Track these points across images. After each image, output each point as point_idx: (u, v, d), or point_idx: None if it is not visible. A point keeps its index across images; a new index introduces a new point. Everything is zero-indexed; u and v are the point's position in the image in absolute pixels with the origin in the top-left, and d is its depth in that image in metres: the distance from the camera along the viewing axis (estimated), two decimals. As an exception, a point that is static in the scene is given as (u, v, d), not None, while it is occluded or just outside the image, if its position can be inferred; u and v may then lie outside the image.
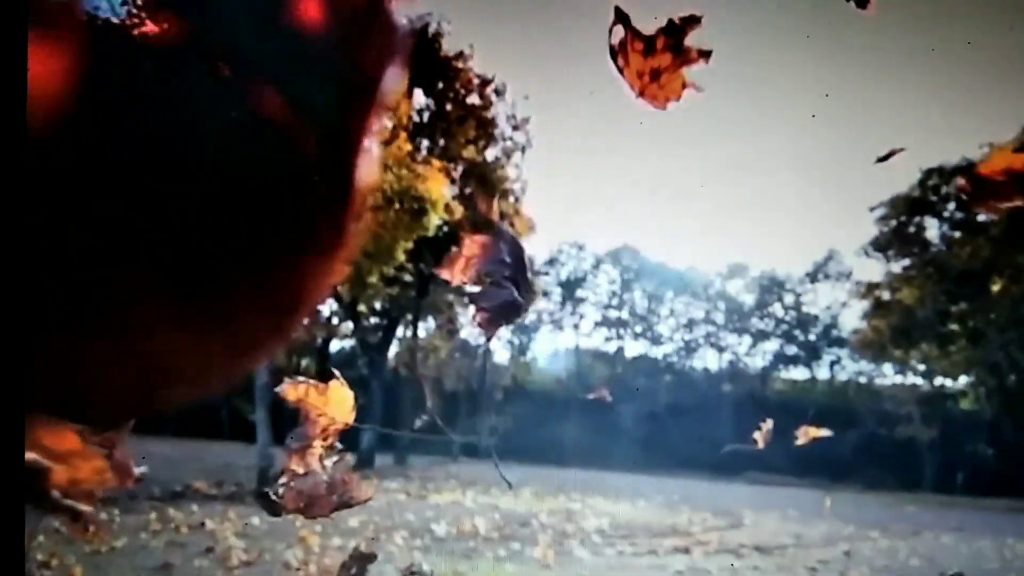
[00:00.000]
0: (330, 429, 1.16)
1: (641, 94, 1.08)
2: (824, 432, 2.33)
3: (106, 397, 0.22)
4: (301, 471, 1.21)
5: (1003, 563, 7.64)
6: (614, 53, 1.07)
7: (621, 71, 1.07)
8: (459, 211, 11.07)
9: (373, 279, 11.42)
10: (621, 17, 1.05)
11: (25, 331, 0.21)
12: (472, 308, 1.11)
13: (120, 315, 0.21)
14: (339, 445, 1.26)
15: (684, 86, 1.08)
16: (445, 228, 13.95)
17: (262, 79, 0.21)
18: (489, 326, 1.09)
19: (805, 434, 2.26)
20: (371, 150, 0.23)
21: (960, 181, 1.21)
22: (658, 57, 1.06)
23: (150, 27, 0.21)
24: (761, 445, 2.33)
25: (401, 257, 10.63)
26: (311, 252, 0.23)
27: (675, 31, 1.05)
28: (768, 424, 2.36)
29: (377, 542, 5.82)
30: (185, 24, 0.21)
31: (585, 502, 11.06)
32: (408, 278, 14.16)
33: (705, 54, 1.08)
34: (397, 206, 9.77)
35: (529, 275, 1.11)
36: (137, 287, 0.21)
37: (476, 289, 1.11)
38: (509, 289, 1.10)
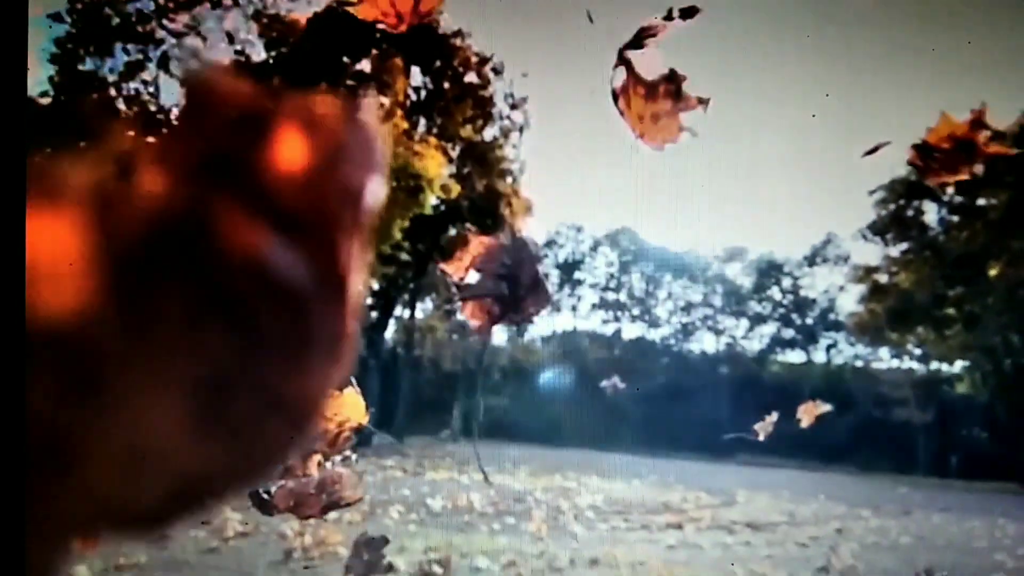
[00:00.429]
0: (345, 426, 1.23)
1: (641, 136, 1.12)
2: (825, 407, 2.35)
3: (131, 512, 0.24)
4: (301, 473, 1.24)
5: (992, 541, 7.73)
6: (615, 95, 1.10)
7: (622, 113, 1.11)
8: (456, 190, 11.05)
9: (368, 257, 11.36)
10: (624, 62, 1.08)
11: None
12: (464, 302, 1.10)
13: (138, 433, 0.23)
14: (355, 439, 1.30)
15: (680, 129, 1.12)
16: (442, 207, 13.92)
17: (248, 211, 0.23)
18: (480, 322, 1.10)
19: (807, 412, 2.28)
20: (361, 259, 0.25)
21: (910, 153, 1.24)
22: (659, 102, 1.10)
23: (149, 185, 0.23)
24: (762, 437, 2.36)
25: (397, 235, 10.62)
26: (315, 359, 0.25)
27: (676, 79, 1.10)
28: (772, 417, 2.39)
29: (373, 516, 5.89)
30: (180, 181, 0.23)
31: (580, 480, 11.16)
32: (405, 257, 14.19)
33: (704, 101, 1.12)
34: (393, 183, 9.74)
35: (541, 279, 1.10)
36: (151, 406, 0.23)
37: (465, 282, 1.11)
38: (501, 287, 1.10)
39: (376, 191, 0.25)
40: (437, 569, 4.02)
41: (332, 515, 4.31)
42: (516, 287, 1.10)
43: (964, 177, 1.18)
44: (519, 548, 4.88)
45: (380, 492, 7.68)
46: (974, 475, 28.70)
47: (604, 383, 2.88)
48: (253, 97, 0.24)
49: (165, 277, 0.22)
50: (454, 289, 1.11)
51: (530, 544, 5.09)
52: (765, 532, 6.89)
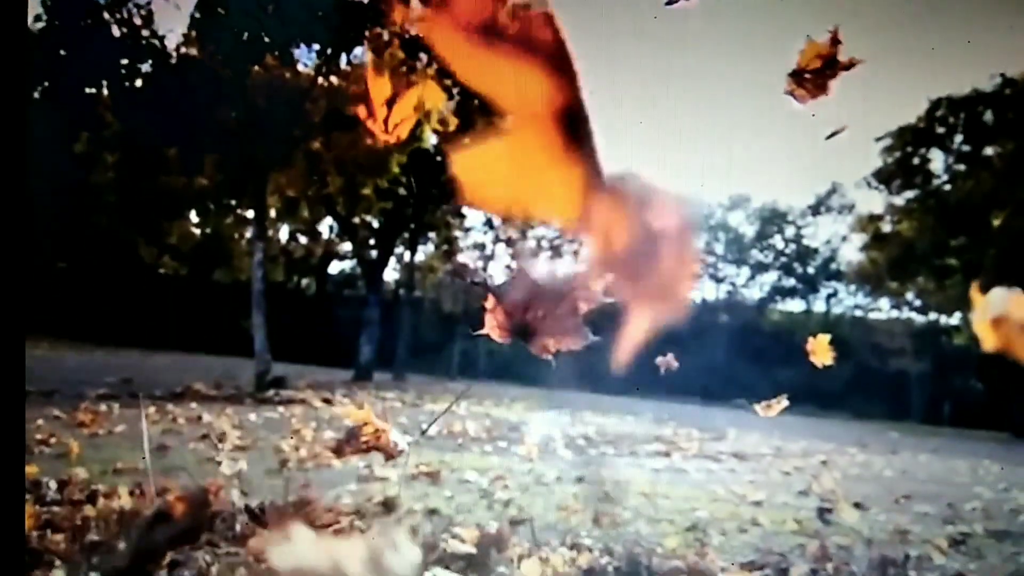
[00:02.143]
0: (385, 436, 1.58)
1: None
2: (826, 335, 2.42)
3: None
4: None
5: (974, 478, 7.94)
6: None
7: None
8: (453, 123, 10.91)
9: (367, 191, 11.37)
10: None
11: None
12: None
13: None
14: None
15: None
16: (443, 145, 13.76)
17: None
18: (494, 321, 1.09)
19: (819, 348, 2.34)
20: None
21: (786, 82, 1.37)
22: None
23: None
24: (762, 414, 2.45)
25: (395, 169, 10.54)
26: None
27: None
28: (781, 400, 2.47)
29: (368, 437, 6.04)
30: None
31: (574, 415, 11.39)
32: (402, 191, 14.10)
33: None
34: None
35: (577, 320, 1.09)
36: None
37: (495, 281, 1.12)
38: (509, 298, 1.09)
39: None
40: (425, 479, 4.16)
41: (328, 434, 4.41)
42: (528, 312, 1.08)
43: (826, 95, 1.34)
44: (509, 466, 5.03)
45: (378, 419, 7.85)
46: (966, 424, 29.16)
47: (658, 359, 2.91)
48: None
49: None
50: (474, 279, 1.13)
51: (519, 463, 5.24)
52: (751, 462, 7.07)
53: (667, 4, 1.40)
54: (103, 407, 6.26)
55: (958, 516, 4.84)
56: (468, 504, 3.62)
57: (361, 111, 1.30)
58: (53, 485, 2.91)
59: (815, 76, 1.34)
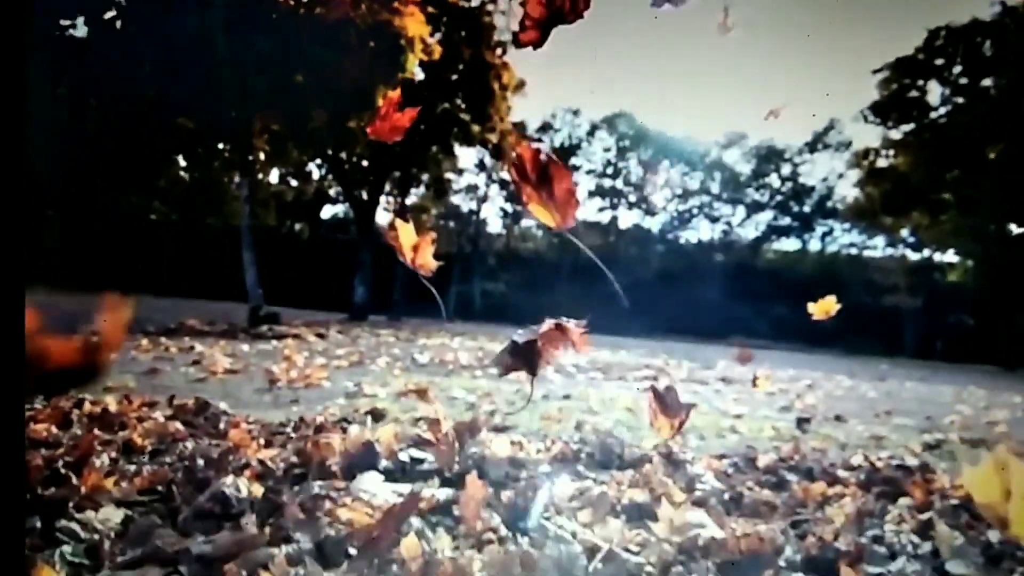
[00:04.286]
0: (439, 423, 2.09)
1: None
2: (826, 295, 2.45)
3: None
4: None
5: (957, 399, 8.10)
6: None
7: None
8: (438, 51, 10.65)
9: (352, 124, 11.20)
10: None
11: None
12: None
13: None
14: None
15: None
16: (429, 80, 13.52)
17: None
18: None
19: (823, 309, 2.37)
20: None
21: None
22: None
23: None
24: (750, 388, 2.52)
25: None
26: None
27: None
28: (767, 372, 2.53)
29: (361, 364, 6.12)
30: None
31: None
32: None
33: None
34: (372, 44, 9.41)
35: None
36: None
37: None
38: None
39: None
40: (413, 396, 4.24)
41: (320, 359, 4.46)
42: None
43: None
44: (497, 387, 5.11)
45: (371, 351, 7.94)
46: (957, 359, 29.53)
47: (735, 356, 2.99)
48: None
49: None
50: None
51: (507, 385, 5.33)
52: (737, 385, 7.19)
53: (653, 5, 1.55)
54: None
55: (935, 427, 4.95)
56: (454, 416, 3.70)
57: (394, 242, 1.63)
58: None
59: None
